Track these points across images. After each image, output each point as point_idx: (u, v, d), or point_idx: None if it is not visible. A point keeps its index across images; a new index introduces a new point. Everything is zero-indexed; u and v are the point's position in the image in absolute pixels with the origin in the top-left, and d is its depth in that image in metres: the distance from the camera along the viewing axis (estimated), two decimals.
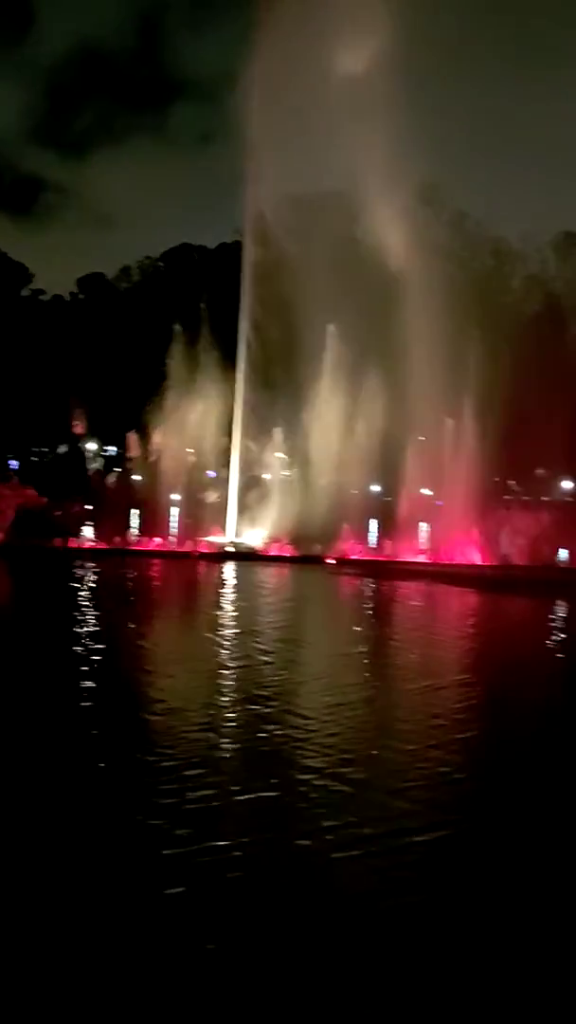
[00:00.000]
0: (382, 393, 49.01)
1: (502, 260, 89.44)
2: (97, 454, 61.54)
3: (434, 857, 8.64)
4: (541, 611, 29.99)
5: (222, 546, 46.99)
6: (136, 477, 54.30)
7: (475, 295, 60.23)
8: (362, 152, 50.94)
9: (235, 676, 16.69)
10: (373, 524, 51.45)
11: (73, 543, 44.89)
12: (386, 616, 27.80)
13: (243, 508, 50.43)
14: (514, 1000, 6.46)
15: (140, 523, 50.02)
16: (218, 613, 26.44)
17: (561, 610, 30.91)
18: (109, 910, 7.09)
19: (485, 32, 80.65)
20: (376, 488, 55.32)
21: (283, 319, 50.02)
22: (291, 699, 14.61)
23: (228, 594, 32.48)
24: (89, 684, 14.89)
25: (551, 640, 24.30)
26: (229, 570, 39.03)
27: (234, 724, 12.97)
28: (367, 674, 17.55)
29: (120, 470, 56.67)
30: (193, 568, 38.93)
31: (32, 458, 67.06)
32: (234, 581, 35.95)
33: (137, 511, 50.45)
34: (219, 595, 31.68)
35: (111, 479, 54.88)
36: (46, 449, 67.88)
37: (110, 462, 61.04)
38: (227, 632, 22.13)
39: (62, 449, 64.47)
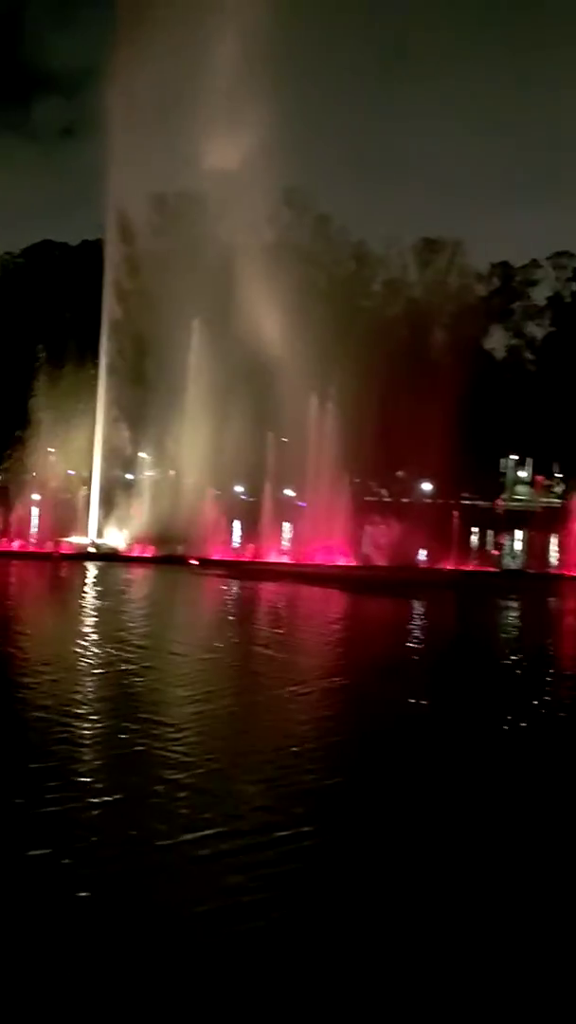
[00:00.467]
0: (245, 394, 49.07)
1: (364, 264, 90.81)
2: None
3: (295, 862, 8.66)
4: (401, 611, 30.50)
5: (84, 547, 46.24)
6: None
7: (337, 298, 61.01)
8: (226, 152, 50.93)
9: (94, 680, 16.44)
10: (237, 525, 51.48)
11: None
12: (249, 617, 27.83)
13: (106, 508, 49.75)
14: (365, 999, 6.51)
15: None
16: (77, 615, 26.02)
17: (420, 610, 31.51)
18: None
19: (353, 41, 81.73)
20: (240, 489, 55.39)
21: (146, 317, 49.58)
22: (153, 704, 14.46)
23: (88, 596, 32.01)
24: None
25: (411, 641, 24.74)
26: (90, 571, 38.46)
27: (92, 729, 12.76)
28: (231, 677, 17.52)
29: None
30: (53, 569, 38.20)
31: None
32: (95, 582, 35.44)
33: None
34: (79, 597, 31.19)
35: None
36: None
37: None
38: (86, 634, 21.78)
39: None
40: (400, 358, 62.67)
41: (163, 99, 50.51)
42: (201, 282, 48.82)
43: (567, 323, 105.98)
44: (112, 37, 50.53)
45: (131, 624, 24.37)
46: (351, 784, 11.11)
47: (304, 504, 51.36)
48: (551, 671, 20.64)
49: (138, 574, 38.75)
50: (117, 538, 47.81)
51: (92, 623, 24.71)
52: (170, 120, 51.26)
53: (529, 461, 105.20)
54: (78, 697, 14.86)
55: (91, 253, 65.25)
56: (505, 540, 64.09)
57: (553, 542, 51.56)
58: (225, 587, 35.24)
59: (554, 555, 49.33)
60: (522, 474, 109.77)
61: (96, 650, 19.21)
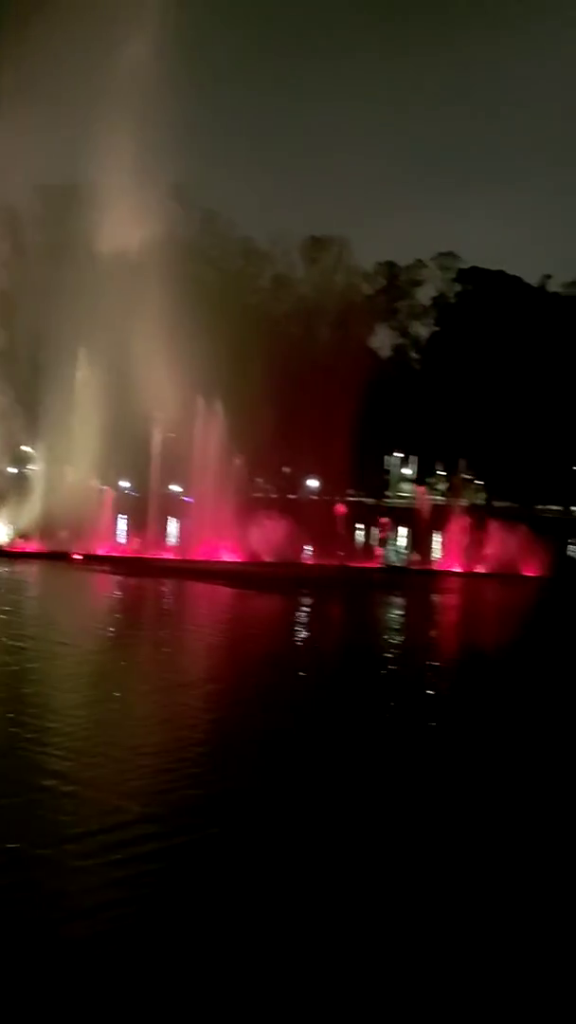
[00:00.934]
0: (132, 388, 48.64)
1: (251, 261, 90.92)
2: None
3: (174, 863, 8.69)
4: (287, 607, 30.67)
5: None
6: None
7: (225, 294, 60.90)
8: (111, 145, 50.35)
9: None
10: (122, 520, 51.05)
11: None
12: (134, 615, 27.62)
13: None
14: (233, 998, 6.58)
15: None
16: None
17: (305, 606, 31.73)
18: None
19: (243, 40, 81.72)
20: (126, 484, 54.88)
21: (30, 311, 48.79)
22: (36, 704, 14.27)
23: None
24: None
25: (295, 637, 24.92)
26: None
27: None
28: (115, 676, 17.37)
29: None
30: None
31: None
32: None
33: None
34: None
35: None
36: None
37: None
38: None
39: None
40: (287, 355, 62.96)
41: (48, 89, 49.69)
42: (86, 276, 48.24)
43: (451, 323, 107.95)
44: None
45: (11, 622, 23.95)
46: (235, 790, 11.13)
47: (191, 500, 51.23)
48: (428, 664, 21.05)
49: (20, 570, 38.10)
50: (0, 533, 46.96)
51: None
52: (54, 112, 50.41)
53: (413, 459, 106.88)
54: None
55: None
56: (389, 536, 64.99)
57: (436, 539, 52.56)
58: (109, 583, 34.91)
59: (437, 551, 50.30)
60: (407, 472, 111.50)
61: None
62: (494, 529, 47.72)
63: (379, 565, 46.10)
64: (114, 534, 49.20)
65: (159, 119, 50.11)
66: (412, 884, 8.86)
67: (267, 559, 42.92)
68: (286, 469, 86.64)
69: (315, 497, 73.63)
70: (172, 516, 50.52)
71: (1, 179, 50.77)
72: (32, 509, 47.73)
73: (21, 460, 52.46)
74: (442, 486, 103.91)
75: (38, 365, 50.37)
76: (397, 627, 29.30)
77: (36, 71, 48.05)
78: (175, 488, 52.81)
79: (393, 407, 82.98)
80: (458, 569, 44.48)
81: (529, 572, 44.01)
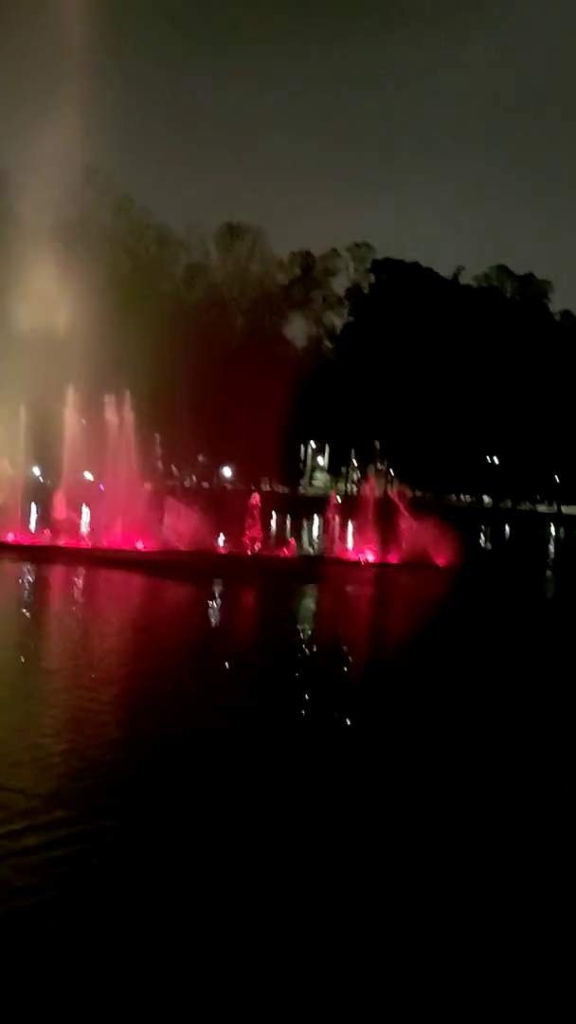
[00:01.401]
0: (42, 373, 47.88)
1: (165, 248, 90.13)
2: None
3: (87, 863, 8.53)
4: (200, 596, 30.54)
5: None
6: None
7: (138, 280, 60.30)
8: (24, 128, 49.45)
9: None
10: (32, 507, 50.21)
11: None
12: (44, 605, 27.20)
13: None
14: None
15: None
16: None
17: (218, 595, 31.64)
18: None
19: (164, 26, 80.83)
20: (36, 471, 54.02)
21: None
22: None
23: None
24: None
25: (209, 627, 24.80)
26: None
27: None
28: (25, 669, 17.05)
29: None
30: None
31: None
32: None
33: None
34: None
35: None
36: None
37: None
38: None
39: None
40: (201, 343, 62.62)
41: None
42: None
43: (365, 314, 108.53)
44: None
45: None
46: (148, 789, 10.99)
47: (103, 487, 50.59)
48: (340, 652, 21.10)
49: None
50: None
51: None
52: None
53: (327, 449, 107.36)
54: None
55: None
56: (302, 526, 65.14)
57: (349, 528, 52.73)
58: (18, 571, 34.30)
59: (349, 542, 50.45)
60: (320, 461, 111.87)
61: None
62: (407, 519, 48.02)
63: (292, 555, 46.00)
64: (24, 522, 48.36)
65: (75, 103, 49.39)
66: (318, 874, 8.82)
67: (180, 548, 42.55)
68: (201, 458, 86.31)
69: (229, 486, 73.43)
70: (84, 504, 49.81)
71: None
72: None
73: None
74: (355, 476, 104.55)
75: None
76: (309, 616, 29.36)
77: None
78: (87, 476, 52.11)
79: (308, 397, 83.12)
80: (371, 559, 44.65)
81: (441, 561, 44.36)
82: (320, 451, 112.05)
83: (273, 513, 65.79)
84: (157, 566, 36.52)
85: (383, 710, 15.99)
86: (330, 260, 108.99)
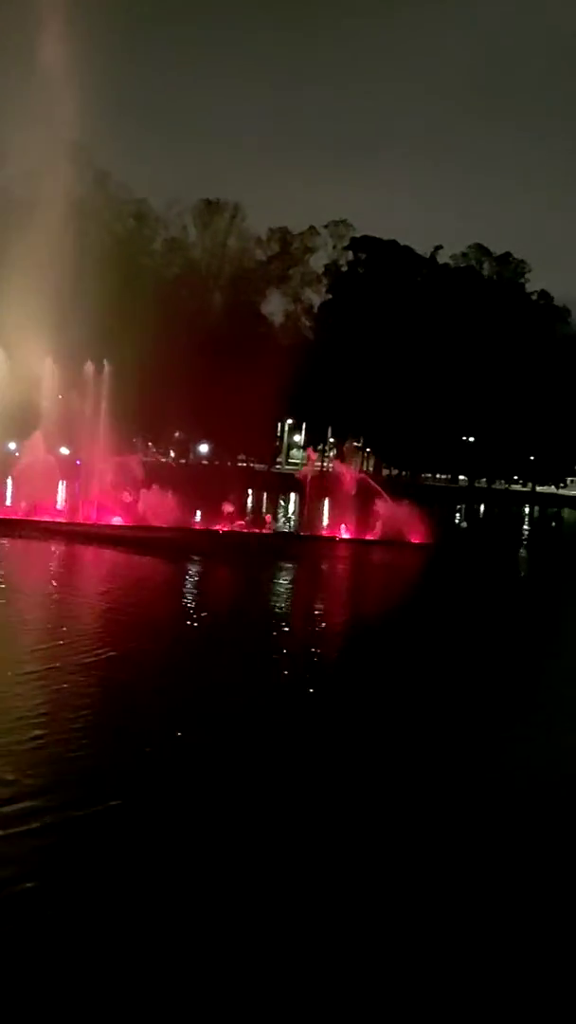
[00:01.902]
0: (19, 348, 47.70)
1: (144, 223, 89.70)
2: None
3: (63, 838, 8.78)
4: (175, 571, 30.73)
5: None
6: None
7: (116, 255, 60.06)
8: (6, 99, 49.11)
9: None
10: (9, 482, 50.11)
11: None
12: (20, 578, 27.31)
13: None
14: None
15: None
16: None
17: (194, 571, 31.86)
18: None
19: (141, 3, 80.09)
20: (12, 446, 53.81)
21: None
22: None
23: None
24: None
25: (184, 603, 25.00)
26: None
27: None
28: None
29: None
30: None
31: None
32: None
33: None
34: None
35: None
36: None
37: None
38: None
39: None
40: (179, 319, 62.47)
41: None
42: None
43: (343, 291, 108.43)
44: None
45: None
46: (127, 763, 11.18)
47: (80, 462, 50.57)
48: (314, 625, 21.42)
49: None
50: None
51: None
52: None
53: (304, 426, 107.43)
54: None
55: None
56: (278, 503, 65.36)
57: (325, 505, 53.00)
58: None
59: (325, 518, 50.75)
60: (297, 438, 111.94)
61: None
62: (382, 497, 48.32)
63: (269, 531, 46.26)
64: (1, 496, 48.32)
65: (54, 76, 48.99)
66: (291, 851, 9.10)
67: (157, 523, 42.69)
68: (178, 434, 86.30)
69: (206, 462, 73.46)
70: (62, 479, 49.78)
71: None
72: None
73: None
74: (332, 453, 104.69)
75: None
76: (286, 592, 29.63)
77: None
78: (64, 450, 52.07)
79: (285, 374, 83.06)
80: (347, 536, 44.98)
81: (416, 539, 44.74)
82: (297, 428, 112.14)
83: (250, 490, 65.97)
84: (133, 541, 36.65)
85: (344, 683, 16.34)
86: (308, 237, 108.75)
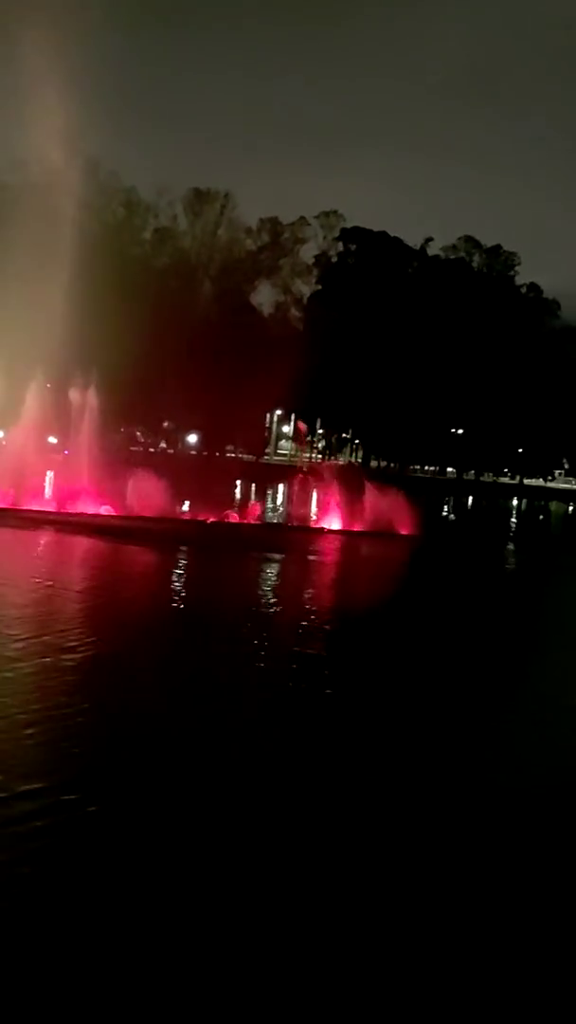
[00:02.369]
0: (5, 336, 47.50)
1: (133, 211, 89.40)
2: None
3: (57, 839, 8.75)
4: (162, 561, 30.71)
5: None
6: None
7: (106, 244, 59.84)
8: None
9: None
10: None
11: None
12: (4, 567, 27.24)
13: None
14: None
15: None
16: None
17: (182, 560, 31.84)
18: None
19: None
20: None
21: None
22: None
23: None
24: None
25: (168, 591, 24.98)
26: None
27: None
28: None
29: None
30: None
31: None
32: None
33: None
34: None
35: None
36: None
37: None
38: None
39: None
40: (168, 308, 62.26)
41: None
42: None
43: (333, 282, 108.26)
44: None
45: None
46: (116, 762, 11.17)
47: (67, 452, 50.45)
48: (303, 617, 21.40)
49: None
50: None
51: None
52: None
53: (293, 417, 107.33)
54: None
55: None
56: (266, 494, 65.29)
57: (313, 497, 53.02)
58: None
59: (313, 510, 50.77)
60: (286, 429, 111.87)
61: None
62: (370, 488, 48.34)
63: (256, 522, 46.24)
64: None
65: (43, 64, 48.76)
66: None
67: (144, 513, 42.62)
68: (166, 424, 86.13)
69: (194, 452, 73.29)
70: (48, 468, 49.65)
71: None
72: None
73: None
74: (321, 445, 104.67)
75: None
76: (274, 582, 29.64)
77: None
78: (51, 440, 51.94)
79: (274, 364, 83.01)
80: (335, 527, 44.99)
81: (404, 531, 44.78)
82: (286, 419, 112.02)
83: (238, 480, 65.92)
84: (120, 531, 36.60)
85: (343, 674, 16.34)
86: (299, 228, 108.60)
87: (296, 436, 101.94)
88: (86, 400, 48.37)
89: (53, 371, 49.52)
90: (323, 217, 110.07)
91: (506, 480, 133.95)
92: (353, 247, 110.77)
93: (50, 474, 48.40)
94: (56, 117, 56.61)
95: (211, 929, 7.27)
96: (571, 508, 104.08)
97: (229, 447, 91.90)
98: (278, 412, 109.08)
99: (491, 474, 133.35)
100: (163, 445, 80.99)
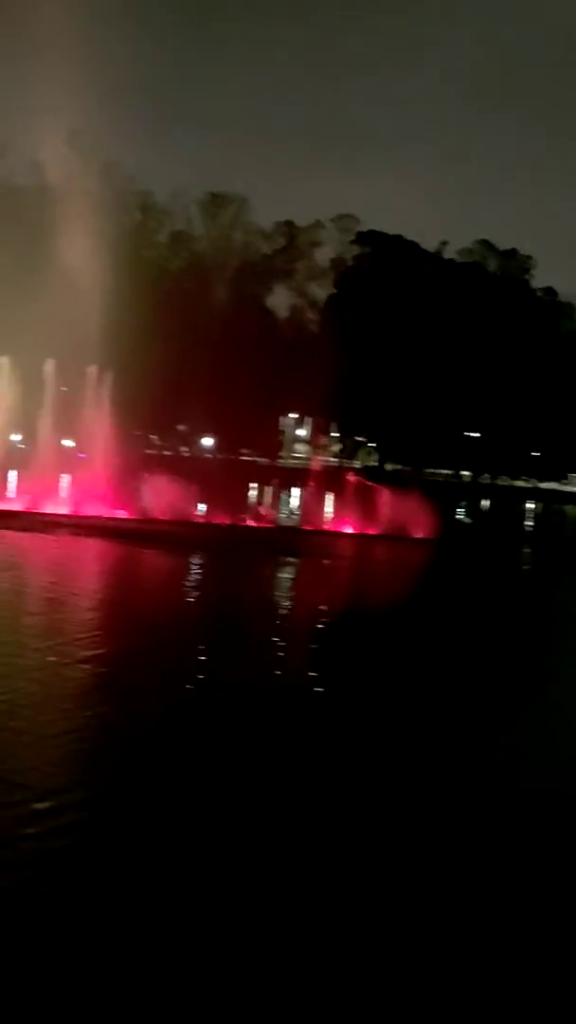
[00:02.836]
0: (21, 340, 47.67)
1: (149, 215, 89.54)
2: None
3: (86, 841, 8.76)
4: (178, 565, 30.72)
5: None
6: None
7: (121, 247, 59.95)
8: (6, 89, 49.04)
9: None
10: (12, 475, 50.07)
11: None
12: (23, 571, 27.32)
13: None
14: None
15: None
16: None
17: (196, 564, 31.82)
18: None
19: None
20: (16, 437, 53.86)
21: None
22: None
23: None
24: None
25: (185, 596, 24.98)
26: None
27: None
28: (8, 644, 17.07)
29: None
30: None
31: None
32: None
33: None
34: None
35: None
36: None
37: None
38: None
39: None
40: (183, 311, 62.34)
41: None
42: None
43: (348, 286, 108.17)
44: None
45: None
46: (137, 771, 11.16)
47: (83, 455, 50.55)
48: (318, 622, 21.38)
49: None
50: None
51: None
52: None
53: (308, 420, 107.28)
54: None
55: None
56: (281, 497, 65.28)
57: (328, 500, 52.94)
58: None
59: (328, 513, 50.70)
60: (301, 432, 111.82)
61: None
62: (385, 491, 48.31)
63: (271, 525, 46.24)
64: (3, 488, 48.30)
65: (60, 66, 48.96)
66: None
67: (159, 516, 42.68)
68: (181, 427, 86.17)
69: (209, 455, 73.33)
70: (64, 471, 49.77)
71: None
72: None
73: None
74: (335, 448, 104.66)
75: None
76: (289, 586, 29.62)
77: None
78: (67, 443, 52.05)
79: (289, 368, 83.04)
80: (350, 530, 44.95)
81: (419, 534, 44.70)
82: (301, 422, 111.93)
83: (252, 483, 65.93)
84: (136, 534, 36.66)
85: (339, 676, 16.30)
86: (314, 231, 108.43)
87: (312, 439, 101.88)
88: (102, 403, 48.50)
89: (69, 375, 49.66)
90: (338, 220, 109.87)
91: (521, 483, 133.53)
92: (368, 250, 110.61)
93: (67, 477, 48.52)
94: (72, 119, 56.87)
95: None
96: None
97: (244, 450, 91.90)
98: (293, 415, 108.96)
99: (507, 477, 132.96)
100: (184, 449, 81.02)
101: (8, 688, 13.26)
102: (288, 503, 64.02)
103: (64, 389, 50.56)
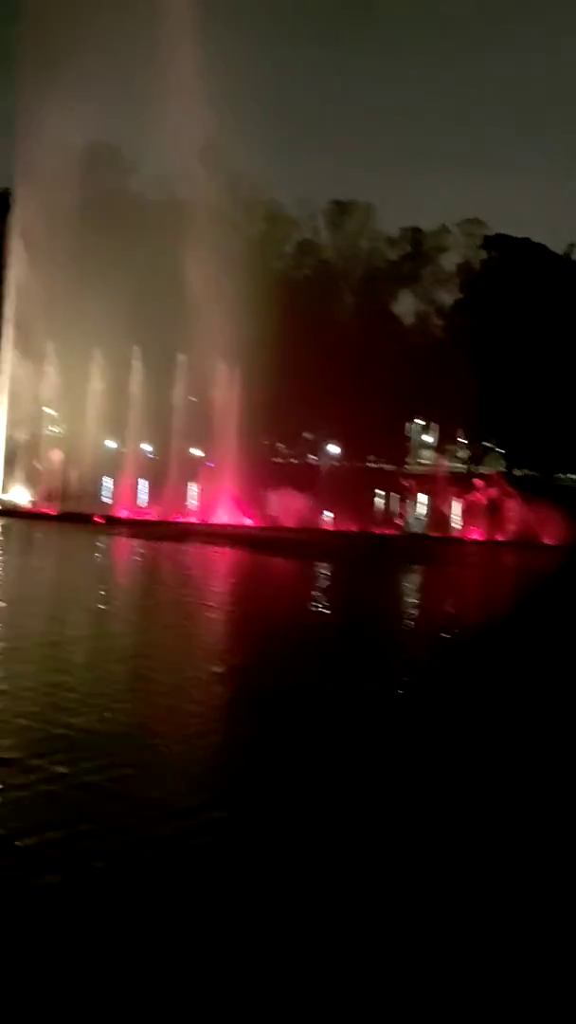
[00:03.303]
0: (154, 352, 48.65)
1: (276, 225, 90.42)
2: None
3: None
4: (305, 573, 30.75)
5: None
6: None
7: (249, 258, 60.61)
8: (141, 106, 50.15)
9: None
10: (143, 484, 51.18)
11: None
12: (154, 580, 27.79)
13: (10, 465, 49.04)
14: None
15: None
16: None
17: (324, 572, 31.81)
18: None
19: (274, 3, 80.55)
20: (147, 447, 55.05)
21: (54, 272, 48.69)
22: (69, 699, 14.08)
23: None
24: None
25: (313, 606, 24.92)
26: None
27: None
28: (135, 646, 17.30)
29: None
30: None
31: None
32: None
33: None
34: None
35: None
36: None
37: None
38: None
39: None
40: (310, 320, 62.63)
41: (77, 45, 49.28)
42: (111, 237, 48.13)
43: (475, 290, 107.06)
44: None
45: (31, 584, 24.16)
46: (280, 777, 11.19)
47: (212, 464, 51.32)
48: (449, 632, 21.18)
49: (43, 531, 38.37)
50: (22, 495, 47.27)
51: None
52: (84, 68, 49.85)
53: (434, 426, 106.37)
54: None
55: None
56: (408, 504, 64.98)
57: (456, 507, 52.54)
58: (129, 547, 35.08)
59: (456, 519, 50.31)
60: (427, 439, 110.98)
61: None
62: (514, 497, 47.69)
63: (399, 532, 46.14)
64: (135, 497, 49.40)
65: (187, 79, 49.78)
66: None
67: (287, 524, 43.03)
68: (307, 435, 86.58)
69: (335, 463, 73.42)
70: (193, 480, 50.63)
71: (26, 136, 50.60)
72: (55, 471, 47.98)
73: (44, 422, 52.63)
74: (463, 454, 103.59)
75: (58, 328, 50.34)
76: (417, 594, 29.39)
77: (70, 37, 47.78)
78: (196, 452, 52.93)
79: (415, 374, 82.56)
80: (477, 537, 44.53)
81: (549, 541, 43.98)
82: (427, 429, 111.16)
83: (379, 491, 65.80)
84: (264, 542, 36.97)
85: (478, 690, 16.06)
86: (440, 236, 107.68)
87: (439, 445, 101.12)
88: (230, 413, 49.15)
89: (197, 385, 50.45)
90: (465, 225, 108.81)
91: None
92: (495, 254, 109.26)
93: (195, 487, 49.29)
94: (199, 132, 57.81)
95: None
96: None
97: (371, 457, 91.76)
98: (420, 421, 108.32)
99: None
100: (312, 457, 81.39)
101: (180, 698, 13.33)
102: (416, 510, 63.68)
103: (193, 399, 51.39)
